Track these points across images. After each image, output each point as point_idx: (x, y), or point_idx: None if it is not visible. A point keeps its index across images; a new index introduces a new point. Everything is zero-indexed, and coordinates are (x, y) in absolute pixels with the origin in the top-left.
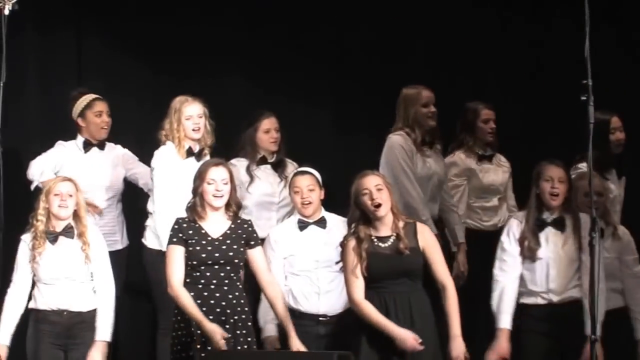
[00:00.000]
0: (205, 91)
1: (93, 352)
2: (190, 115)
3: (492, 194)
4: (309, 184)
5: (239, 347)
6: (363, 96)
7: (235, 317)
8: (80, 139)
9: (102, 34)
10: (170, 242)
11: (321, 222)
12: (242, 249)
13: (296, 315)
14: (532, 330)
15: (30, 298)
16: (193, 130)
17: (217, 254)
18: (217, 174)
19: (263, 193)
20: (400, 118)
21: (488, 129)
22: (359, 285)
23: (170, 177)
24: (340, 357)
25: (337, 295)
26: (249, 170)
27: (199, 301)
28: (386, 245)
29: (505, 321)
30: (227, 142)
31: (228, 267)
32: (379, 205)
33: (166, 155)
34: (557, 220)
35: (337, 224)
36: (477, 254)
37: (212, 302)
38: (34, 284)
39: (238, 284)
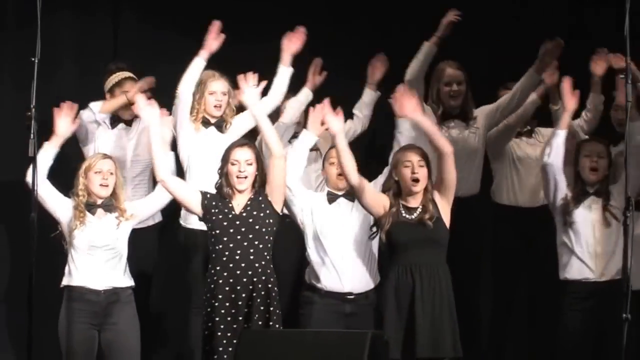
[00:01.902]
0: (239, 64)
1: None
2: (214, 91)
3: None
4: None
5: (266, 316)
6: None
7: (260, 286)
8: (109, 115)
9: (138, 9)
10: (201, 190)
11: (350, 195)
12: (262, 214)
13: (321, 294)
14: (573, 307)
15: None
16: (214, 106)
17: (237, 222)
18: (241, 155)
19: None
20: (429, 93)
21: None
22: (365, 182)
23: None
24: (374, 336)
25: (362, 273)
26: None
27: (225, 273)
28: (412, 216)
29: None
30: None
31: (251, 236)
32: (417, 180)
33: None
34: (600, 189)
35: None
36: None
37: (238, 272)
38: (68, 260)
39: (265, 253)
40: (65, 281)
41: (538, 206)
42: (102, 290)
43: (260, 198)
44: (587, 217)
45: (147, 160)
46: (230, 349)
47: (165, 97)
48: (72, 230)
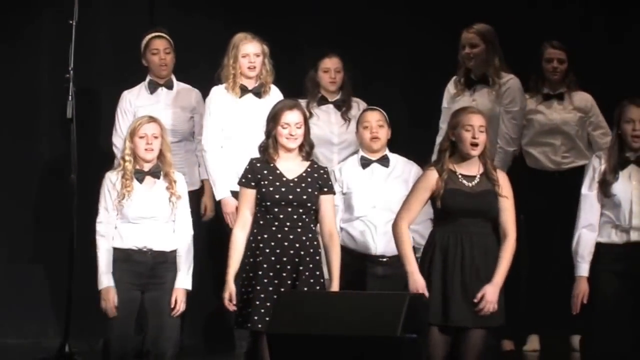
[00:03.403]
0: (277, 29)
1: (178, 299)
2: (247, 54)
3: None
4: (379, 119)
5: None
6: (436, 39)
7: (308, 259)
8: (147, 79)
9: None
10: (241, 181)
11: (384, 160)
12: (316, 193)
13: (354, 255)
14: (607, 270)
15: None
16: (248, 68)
17: (290, 196)
18: (292, 118)
19: (320, 131)
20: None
21: (550, 68)
22: (409, 216)
23: (220, 117)
24: (413, 298)
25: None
26: (308, 108)
27: (272, 243)
28: (471, 184)
29: (583, 269)
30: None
31: (301, 210)
32: (476, 145)
33: (216, 96)
34: None
35: (401, 164)
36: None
37: (285, 243)
38: (116, 223)
39: (312, 226)
40: (113, 244)
41: (566, 169)
42: (149, 251)
43: (316, 176)
44: (627, 189)
45: (184, 130)
46: (267, 318)
47: (199, 57)
48: (120, 200)
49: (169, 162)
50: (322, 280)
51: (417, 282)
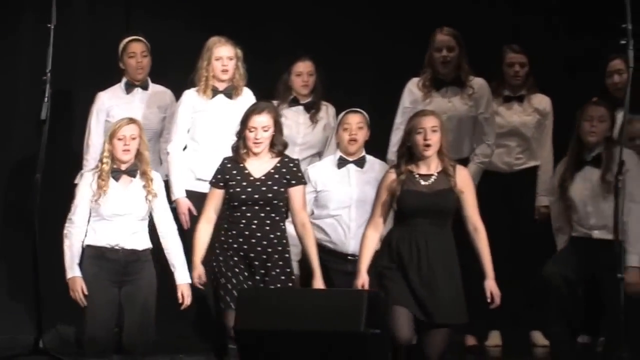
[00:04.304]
0: (250, 32)
1: (185, 294)
2: (220, 57)
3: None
4: (359, 121)
5: (278, 285)
6: (404, 43)
7: (277, 256)
8: (123, 81)
9: None
10: (211, 181)
11: (360, 162)
12: (282, 189)
13: (325, 250)
14: (570, 253)
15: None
16: (221, 71)
17: (256, 195)
18: (259, 121)
19: (286, 130)
20: (425, 59)
21: (511, 72)
22: (374, 219)
23: (186, 120)
24: (372, 296)
25: None
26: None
27: (240, 239)
28: (426, 183)
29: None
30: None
31: (268, 208)
32: (428, 146)
33: (186, 98)
34: (596, 158)
35: (376, 166)
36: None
37: (253, 240)
38: (89, 221)
39: (281, 224)
40: (86, 241)
41: (518, 170)
42: (121, 249)
43: (284, 171)
44: (581, 191)
45: (155, 129)
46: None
47: (174, 62)
48: (96, 199)
49: (146, 161)
50: (293, 277)
51: (362, 279)
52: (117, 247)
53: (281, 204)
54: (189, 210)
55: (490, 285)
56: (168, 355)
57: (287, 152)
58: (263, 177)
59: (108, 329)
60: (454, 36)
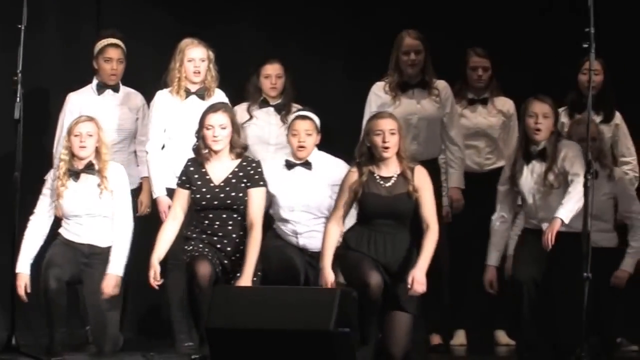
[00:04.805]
0: (221, 37)
1: (106, 283)
2: (192, 58)
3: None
4: (307, 128)
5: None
6: (375, 44)
7: (238, 255)
8: (95, 81)
9: None
10: (177, 182)
11: (307, 165)
12: (241, 194)
13: (280, 238)
14: (528, 245)
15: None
16: (194, 73)
17: (216, 201)
18: (215, 120)
19: (259, 131)
20: (390, 61)
21: (475, 76)
22: (337, 214)
23: (162, 120)
24: (344, 293)
25: (318, 237)
26: (248, 110)
27: (203, 236)
28: (387, 185)
29: (492, 259)
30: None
31: (229, 211)
32: (387, 148)
33: (160, 99)
34: (542, 152)
35: (326, 166)
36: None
37: (215, 238)
38: (60, 218)
39: (244, 223)
40: (60, 230)
41: (489, 170)
42: (87, 246)
43: (242, 174)
44: (529, 183)
45: (129, 130)
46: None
47: (146, 67)
48: (57, 199)
49: (103, 159)
50: (259, 273)
51: (327, 277)
52: (83, 244)
53: (242, 206)
54: (170, 208)
55: (416, 273)
56: (139, 352)
57: (261, 152)
58: (222, 184)
59: (60, 279)
60: (421, 39)
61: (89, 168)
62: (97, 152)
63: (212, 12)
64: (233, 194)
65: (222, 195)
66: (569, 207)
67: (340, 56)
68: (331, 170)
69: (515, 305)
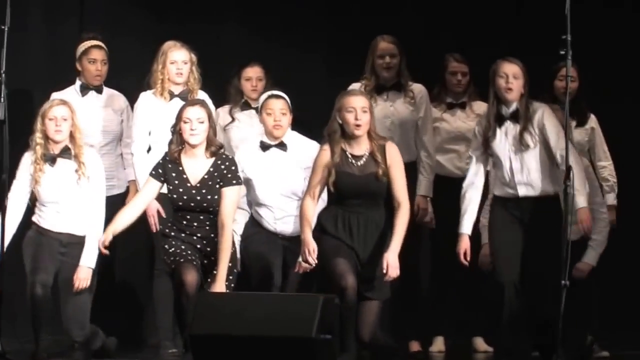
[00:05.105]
0: (203, 37)
1: (77, 276)
2: (175, 60)
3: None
4: (282, 107)
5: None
6: (355, 46)
7: (213, 258)
8: (78, 83)
9: None
10: (151, 173)
11: (283, 145)
12: (216, 196)
13: (257, 225)
14: (501, 218)
15: (33, 212)
16: (176, 74)
17: (192, 203)
18: (193, 113)
19: (240, 133)
20: (366, 65)
21: (454, 80)
22: (312, 192)
23: (146, 121)
24: (326, 300)
25: (295, 219)
26: (230, 113)
27: (182, 235)
28: (358, 164)
29: (465, 226)
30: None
31: (206, 213)
32: (359, 126)
33: (143, 101)
34: (515, 114)
35: (300, 148)
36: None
37: (194, 238)
38: (35, 203)
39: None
40: (34, 218)
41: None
42: (62, 233)
43: (217, 174)
44: (504, 146)
45: (115, 131)
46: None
47: (129, 67)
48: (34, 184)
49: (78, 144)
50: (235, 271)
51: (309, 244)
52: (58, 231)
53: (218, 207)
54: (158, 212)
55: (390, 257)
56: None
57: None
58: (198, 185)
59: (47, 273)
60: (395, 43)
61: (65, 153)
62: (72, 136)
63: (194, 13)
64: (209, 196)
65: (198, 197)
66: (582, 193)
67: (321, 54)
68: (306, 151)
69: (495, 310)
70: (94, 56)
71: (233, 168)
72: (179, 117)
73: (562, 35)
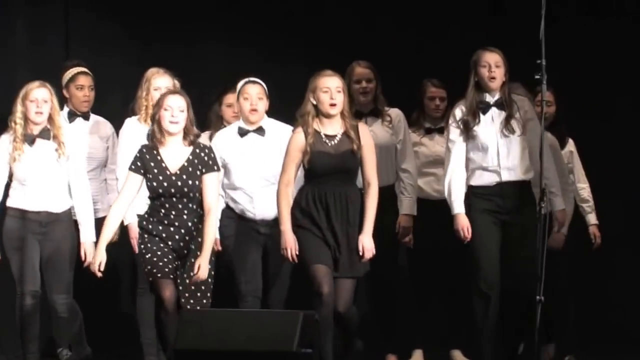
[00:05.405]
0: (186, 60)
1: (87, 252)
2: (159, 87)
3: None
4: (259, 92)
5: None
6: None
7: (192, 246)
8: (65, 110)
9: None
10: (130, 167)
11: (260, 130)
12: (197, 182)
13: (238, 216)
14: (481, 209)
15: (7, 195)
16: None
17: (173, 189)
18: (174, 102)
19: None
20: None
21: (432, 105)
22: (286, 178)
23: (131, 147)
24: (306, 316)
25: (273, 203)
26: (210, 138)
27: (160, 227)
28: (332, 143)
29: (459, 206)
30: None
31: (185, 199)
32: (334, 105)
33: (128, 127)
34: (499, 101)
35: (277, 132)
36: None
37: (172, 229)
38: (10, 184)
39: (199, 210)
40: (9, 202)
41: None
42: (41, 212)
43: (197, 161)
44: (491, 132)
45: (100, 158)
46: (166, 269)
47: (113, 90)
48: (12, 162)
49: (57, 125)
50: (213, 259)
51: (288, 240)
52: (37, 210)
53: (197, 194)
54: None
55: (365, 240)
56: None
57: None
58: (178, 172)
59: (35, 282)
60: (371, 68)
61: (44, 133)
62: (51, 118)
63: (176, 42)
64: (190, 182)
65: (179, 183)
66: (559, 195)
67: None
68: (283, 135)
69: (474, 323)
70: (81, 82)
71: (212, 155)
72: (159, 106)
73: (537, 59)
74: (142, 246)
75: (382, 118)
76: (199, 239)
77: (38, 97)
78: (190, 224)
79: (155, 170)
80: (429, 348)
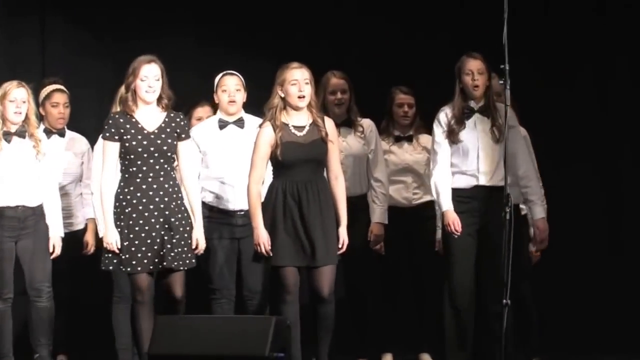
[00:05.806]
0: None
1: (55, 245)
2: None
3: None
4: (237, 83)
5: (177, 235)
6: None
7: (173, 204)
8: (42, 127)
9: (65, 20)
10: (105, 136)
11: (240, 122)
12: (175, 143)
13: (214, 210)
14: (457, 212)
15: None
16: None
17: (152, 147)
18: (149, 71)
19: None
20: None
21: (401, 112)
22: (255, 173)
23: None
24: (278, 322)
25: None
26: None
27: (138, 194)
28: (301, 134)
29: (446, 205)
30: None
31: (162, 160)
32: (302, 97)
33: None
34: (483, 107)
35: (256, 124)
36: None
37: (150, 193)
38: None
39: (173, 174)
40: None
41: (416, 204)
42: (18, 207)
43: (174, 125)
44: (473, 137)
45: (75, 173)
46: (145, 261)
47: (89, 108)
48: None
49: (33, 124)
50: (188, 228)
51: (261, 236)
52: (14, 206)
53: (173, 156)
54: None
55: (343, 232)
56: None
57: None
58: (156, 131)
59: (10, 282)
60: (345, 79)
61: (21, 132)
62: (27, 117)
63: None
64: (169, 140)
65: (158, 141)
66: (539, 204)
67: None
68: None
69: (443, 326)
70: (56, 100)
71: (186, 122)
72: (134, 74)
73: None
74: (120, 229)
75: (355, 129)
76: (175, 198)
77: (17, 97)
78: (167, 185)
79: (133, 131)
80: (398, 352)
